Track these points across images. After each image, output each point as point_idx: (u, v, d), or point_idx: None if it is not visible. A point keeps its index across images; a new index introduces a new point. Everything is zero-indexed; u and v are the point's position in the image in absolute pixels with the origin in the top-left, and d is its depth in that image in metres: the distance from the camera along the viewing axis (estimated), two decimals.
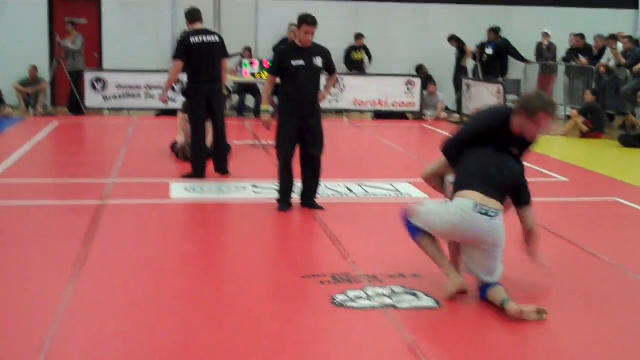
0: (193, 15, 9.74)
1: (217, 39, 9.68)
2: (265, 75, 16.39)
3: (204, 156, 9.83)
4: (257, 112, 17.12)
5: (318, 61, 8.01)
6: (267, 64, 16.51)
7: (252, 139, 13.47)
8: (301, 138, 8.02)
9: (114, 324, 5.02)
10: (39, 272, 6.01)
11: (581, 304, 5.60)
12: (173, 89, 16.65)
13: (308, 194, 8.23)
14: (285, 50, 8.19)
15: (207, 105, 9.69)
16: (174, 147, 11.21)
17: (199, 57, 9.51)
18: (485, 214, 5.33)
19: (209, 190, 9.07)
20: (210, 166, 9.91)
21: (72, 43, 16.71)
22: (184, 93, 9.90)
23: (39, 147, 12.53)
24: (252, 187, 9.30)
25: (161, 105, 16.65)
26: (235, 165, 10.33)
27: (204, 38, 9.58)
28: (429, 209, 5.65)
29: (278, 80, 8.12)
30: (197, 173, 9.70)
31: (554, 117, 5.72)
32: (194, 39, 9.57)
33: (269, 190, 9.02)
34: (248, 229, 7.67)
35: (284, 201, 8.14)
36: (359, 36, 18.76)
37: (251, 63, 16.63)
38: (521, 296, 5.56)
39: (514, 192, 5.64)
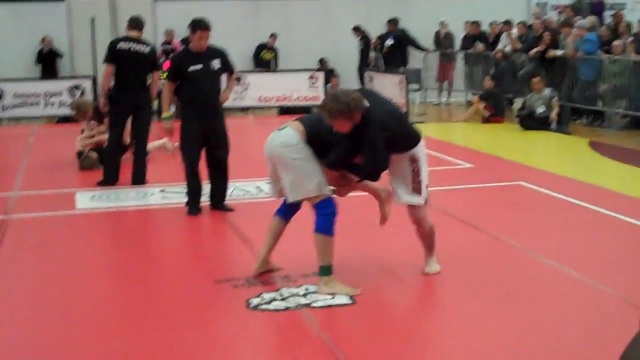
0: (130, 23, 9.70)
1: (147, 49, 9.49)
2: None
3: (117, 164, 9.68)
4: (160, 114, 16.97)
5: (216, 63, 7.96)
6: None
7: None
8: (206, 141, 7.96)
9: (21, 342, 4.90)
10: None
11: (489, 289, 5.72)
12: (73, 95, 16.48)
13: (217, 197, 8.19)
14: (181, 57, 8.10)
15: (131, 113, 9.58)
16: (80, 155, 10.94)
17: (123, 64, 9.37)
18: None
19: (116, 198, 8.93)
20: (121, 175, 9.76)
21: None
22: (109, 98, 9.73)
23: None
24: (160, 192, 9.19)
25: (61, 112, 16.51)
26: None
27: (132, 46, 9.42)
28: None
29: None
30: (109, 180, 9.54)
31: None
32: (120, 45, 9.46)
33: (178, 195, 8.93)
34: (158, 235, 7.59)
35: (193, 205, 8.08)
36: (272, 35, 18.79)
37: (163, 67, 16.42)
38: (424, 281, 5.64)
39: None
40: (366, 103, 5.41)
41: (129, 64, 9.37)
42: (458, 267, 6.23)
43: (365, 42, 18.60)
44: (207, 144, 7.99)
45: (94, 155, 10.69)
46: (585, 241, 7.04)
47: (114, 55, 9.42)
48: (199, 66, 7.86)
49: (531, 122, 13.99)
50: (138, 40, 9.53)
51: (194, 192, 8.07)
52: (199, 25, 7.89)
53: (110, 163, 9.69)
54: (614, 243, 7.00)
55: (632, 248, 6.80)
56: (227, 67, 8.17)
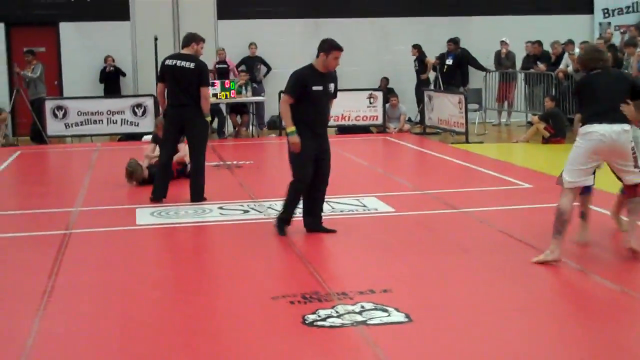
0: (183, 40, 9.86)
1: (192, 65, 9.51)
2: (224, 95, 16.44)
3: (165, 181, 9.78)
4: (220, 132, 17.16)
5: (332, 87, 7.89)
6: (228, 85, 16.56)
7: (216, 160, 13.43)
8: (315, 160, 7.89)
9: (84, 356, 4.97)
10: (6, 306, 5.94)
11: (548, 307, 5.63)
12: (135, 113, 16.78)
13: (316, 215, 8.07)
14: (306, 75, 7.79)
15: (181, 130, 9.68)
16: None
17: (170, 80, 9.51)
18: None
19: (175, 215, 9.02)
20: (180, 192, 9.87)
21: (31, 72, 16.61)
22: (164, 114, 9.90)
23: (1, 179, 12.40)
24: (218, 209, 9.27)
25: (124, 130, 16.81)
26: None
27: (178, 62, 9.53)
28: None
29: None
30: (155, 197, 9.66)
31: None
32: (168, 62, 9.61)
33: (235, 212, 9.02)
34: (215, 251, 7.65)
35: (288, 223, 8.02)
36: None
37: (212, 84, 16.61)
38: (483, 301, 5.57)
39: None
40: None
41: (174, 80, 9.48)
42: (516, 286, 6.15)
43: (420, 61, 18.54)
44: (316, 163, 7.91)
45: (141, 169, 10.85)
46: None
47: (162, 73, 9.63)
48: (320, 87, 7.73)
49: None
50: (185, 57, 9.62)
51: (293, 207, 7.99)
52: (337, 47, 7.76)
53: (158, 179, 9.79)
54: None
55: None
56: (336, 92, 8.05)
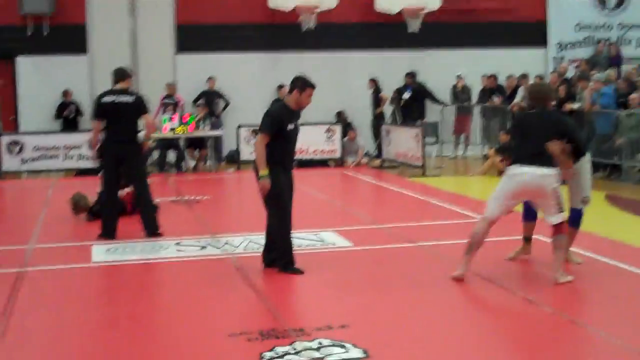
0: (115, 75, 9.76)
1: (131, 99, 9.54)
2: (182, 129, 16.40)
3: (113, 217, 9.69)
4: (178, 167, 17.10)
5: (298, 124, 7.89)
6: (186, 119, 16.53)
7: (174, 195, 13.37)
8: None
9: None
10: None
11: (506, 343, 5.65)
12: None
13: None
14: (283, 114, 7.72)
15: (120, 165, 9.62)
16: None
17: (109, 117, 9.48)
18: None
19: (131, 251, 8.95)
20: (137, 227, 9.80)
21: None
22: (100, 152, 9.82)
23: None
24: (175, 245, 9.21)
25: (80, 165, 16.66)
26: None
27: (115, 98, 9.50)
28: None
29: None
30: (105, 234, 9.59)
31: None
32: (104, 99, 9.57)
33: (193, 248, 8.97)
34: (172, 289, 7.58)
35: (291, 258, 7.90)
36: (280, 87, 18.91)
37: (170, 119, 16.58)
38: (441, 338, 5.59)
39: None
40: None
41: (116, 116, 9.45)
42: (472, 321, 6.18)
43: (376, 95, 18.67)
44: None
45: (85, 199, 10.93)
46: (602, 295, 6.99)
47: (99, 110, 9.58)
48: (292, 125, 7.74)
49: None
50: (121, 92, 9.61)
51: (290, 245, 7.90)
52: (311, 85, 7.75)
53: (105, 217, 9.71)
54: (632, 297, 6.94)
55: None
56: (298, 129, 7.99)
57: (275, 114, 7.74)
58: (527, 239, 8.17)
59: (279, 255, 7.86)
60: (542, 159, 7.06)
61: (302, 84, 7.74)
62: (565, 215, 7.23)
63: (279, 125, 7.63)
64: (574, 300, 6.98)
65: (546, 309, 6.49)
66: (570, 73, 19.37)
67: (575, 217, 7.78)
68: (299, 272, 7.75)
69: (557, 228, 7.23)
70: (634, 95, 14.41)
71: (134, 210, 10.67)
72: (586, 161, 7.66)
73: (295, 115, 7.83)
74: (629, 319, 6.29)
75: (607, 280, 7.48)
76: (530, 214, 8.05)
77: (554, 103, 7.41)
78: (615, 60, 19.82)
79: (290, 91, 7.81)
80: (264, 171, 7.55)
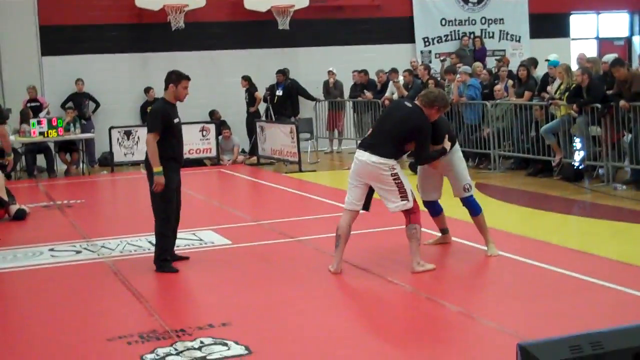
0: None
1: None
2: (52, 132, 15.98)
3: None
4: (49, 171, 16.64)
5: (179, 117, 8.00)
6: (56, 122, 16.10)
7: (46, 200, 13.01)
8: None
9: None
10: None
11: (391, 328, 5.78)
12: None
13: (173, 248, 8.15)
14: (166, 109, 7.80)
15: None
16: None
17: None
18: None
19: (2, 259, 8.66)
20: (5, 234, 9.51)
21: None
22: None
23: None
24: (49, 251, 8.97)
25: None
26: (30, 229, 9.94)
27: None
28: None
29: None
30: None
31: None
32: None
33: (68, 253, 8.77)
34: (48, 295, 7.38)
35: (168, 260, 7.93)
36: (147, 90, 18.67)
37: (39, 122, 16.12)
38: (323, 335, 5.66)
39: None
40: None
41: None
42: (355, 312, 6.27)
43: (250, 93, 18.67)
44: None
45: None
46: (473, 281, 7.22)
47: None
48: (177, 119, 7.87)
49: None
50: None
51: (169, 243, 7.93)
52: (185, 76, 7.83)
53: None
54: (502, 281, 7.20)
55: (523, 285, 7.00)
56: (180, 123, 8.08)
57: (159, 110, 7.81)
58: (443, 230, 8.38)
59: (156, 253, 7.85)
60: (379, 148, 7.19)
61: (176, 77, 7.83)
62: (409, 205, 7.24)
63: (166, 121, 7.70)
64: (430, 281, 7.17)
65: (422, 295, 6.66)
66: (437, 66, 19.92)
67: (469, 206, 7.98)
68: (174, 270, 7.76)
69: (407, 218, 7.32)
70: (498, 87, 14.91)
71: (2, 218, 10.40)
72: (455, 150, 7.90)
73: (176, 109, 7.95)
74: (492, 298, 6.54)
75: (479, 264, 7.75)
76: (432, 210, 8.25)
77: (443, 109, 7.54)
78: (480, 53, 20.46)
79: (166, 86, 7.85)
80: (158, 168, 7.64)
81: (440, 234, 8.45)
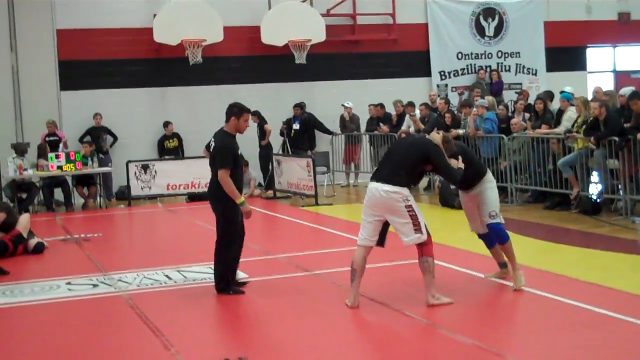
0: None
1: None
2: (69, 167, 16.09)
3: None
4: (67, 205, 16.70)
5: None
6: (73, 156, 16.20)
7: (63, 233, 13.05)
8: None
9: None
10: None
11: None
12: None
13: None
14: (232, 143, 8.14)
15: None
16: None
17: None
18: None
19: (20, 293, 8.68)
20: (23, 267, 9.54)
21: None
22: None
23: None
24: (66, 284, 8.98)
25: None
26: (48, 263, 9.96)
27: None
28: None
29: None
30: None
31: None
32: None
33: (85, 287, 8.79)
34: (63, 329, 7.38)
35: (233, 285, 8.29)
36: (166, 124, 18.79)
37: (57, 156, 16.23)
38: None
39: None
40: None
41: None
42: (377, 347, 6.23)
43: (260, 127, 18.69)
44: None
45: None
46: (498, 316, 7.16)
47: None
48: (239, 150, 8.23)
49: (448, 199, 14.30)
50: None
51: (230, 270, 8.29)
52: (247, 110, 8.23)
53: None
54: (520, 314, 7.14)
55: (540, 318, 6.94)
56: None
57: (228, 144, 8.09)
58: (501, 264, 8.21)
59: (217, 279, 8.19)
60: (392, 177, 7.19)
61: (238, 110, 8.17)
62: (423, 238, 7.18)
63: (234, 155, 8.04)
64: (447, 315, 7.12)
65: (438, 329, 6.61)
66: (455, 100, 19.93)
67: (495, 233, 7.91)
68: (240, 292, 8.17)
69: (420, 251, 7.26)
70: (515, 120, 14.90)
71: (16, 251, 10.46)
72: (487, 181, 7.96)
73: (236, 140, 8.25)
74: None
75: (498, 297, 7.70)
76: (488, 242, 8.14)
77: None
78: (497, 87, 20.49)
79: (228, 119, 8.17)
80: (240, 199, 7.97)
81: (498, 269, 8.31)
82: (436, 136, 7.59)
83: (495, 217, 7.87)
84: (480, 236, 8.16)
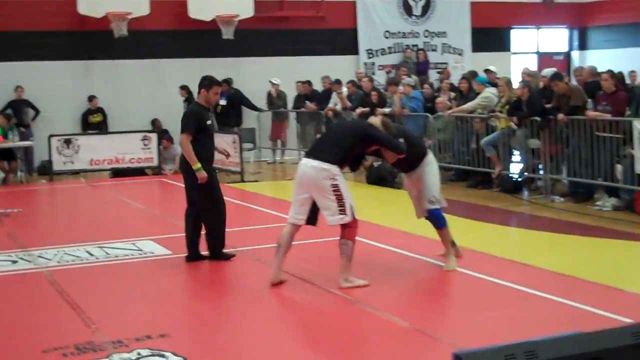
0: None
1: None
2: None
3: None
4: None
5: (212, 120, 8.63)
6: None
7: None
8: None
9: None
10: None
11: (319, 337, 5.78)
12: None
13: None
14: (200, 111, 8.36)
15: None
16: None
17: None
18: None
19: None
20: None
21: None
22: None
23: None
24: None
25: None
26: None
27: None
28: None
29: None
30: None
31: None
32: None
33: (3, 263, 8.62)
34: None
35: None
36: (90, 98, 18.47)
37: None
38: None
39: None
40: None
41: None
42: (297, 324, 6.25)
43: (189, 103, 18.52)
44: None
45: None
46: (410, 289, 7.26)
47: None
48: (209, 121, 8.45)
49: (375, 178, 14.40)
50: None
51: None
52: (217, 82, 8.48)
53: None
54: (442, 292, 7.25)
55: (461, 296, 7.05)
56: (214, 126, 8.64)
57: (193, 112, 8.38)
58: (452, 243, 8.01)
59: (218, 243, 8.43)
60: (322, 154, 7.13)
61: (208, 82, 8.37)
62: (346, 219, 7.08)
63: (198, 123, 8.21)
64: (371, 293, 7.19)
65: (362, 306, 6.68)
66: (382, 78, 20.05)
67: (434, 218, 7.85)
68: (232, 255, 8.51)
69: (342, 232, 7.17)
70: (440, 99, 15.06)
71: None
72: (427, 164, 7.80)
73: (208, 112, 8.53)
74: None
75: (421, 276, 7.80)
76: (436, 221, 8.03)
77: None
78: (423, 66, 20.66)
79: (199, 91, 8.42)
80: (197, 165, 8.15)
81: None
82: (376, 119, 7.61)
83: (434, 202, 7.77)
84: (428, 218, 8.04)
